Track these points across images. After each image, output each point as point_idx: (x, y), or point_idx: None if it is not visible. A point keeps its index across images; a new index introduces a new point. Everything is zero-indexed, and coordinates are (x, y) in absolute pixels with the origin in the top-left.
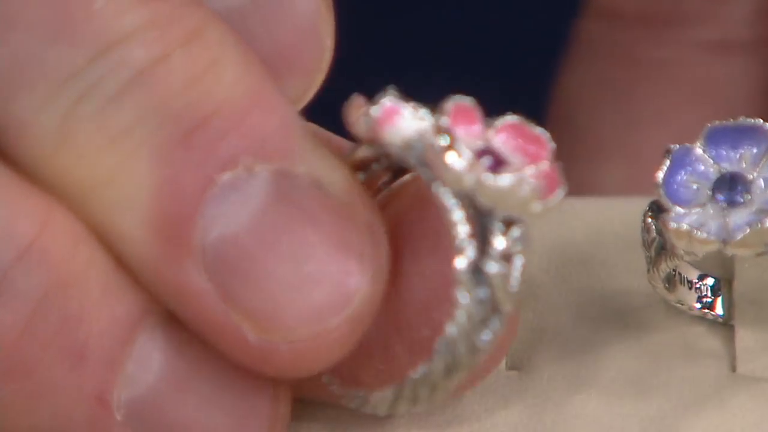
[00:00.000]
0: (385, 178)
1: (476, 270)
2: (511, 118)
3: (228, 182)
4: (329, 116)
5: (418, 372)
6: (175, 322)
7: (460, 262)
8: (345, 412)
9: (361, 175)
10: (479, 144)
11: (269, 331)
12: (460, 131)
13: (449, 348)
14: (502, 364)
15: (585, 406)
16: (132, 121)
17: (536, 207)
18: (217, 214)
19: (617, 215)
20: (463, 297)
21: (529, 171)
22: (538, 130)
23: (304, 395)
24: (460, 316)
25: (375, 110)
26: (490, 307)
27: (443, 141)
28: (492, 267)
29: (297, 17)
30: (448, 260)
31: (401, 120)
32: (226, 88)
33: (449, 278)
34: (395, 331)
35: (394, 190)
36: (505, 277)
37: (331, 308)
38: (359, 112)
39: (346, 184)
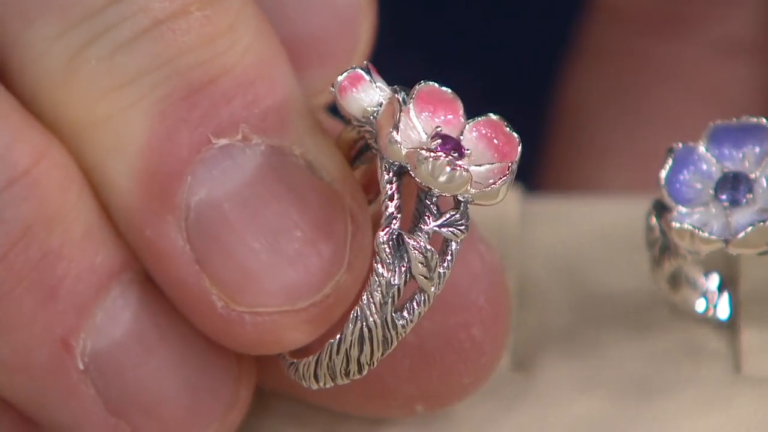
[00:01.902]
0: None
1: (398, 243)
2: (490, 116)
3: (223, 147)
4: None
5: (335, 338)
6: (151, 285)
7: (382, 232)
8: (341, 417)
9: (358, 162)
10: (438, 128)
11: (236, 302)
12: (425, 115)
13: (362, 316)
14: (506, 364)
15: (589, 407)
16: (139, 70)
17: (470, 191)
18: (207, 177)
19: (621, 215)
20: (380, 266)
21: (487, 170)
22: (513, 132)
23: (273, 386)
24: (375, 286)
25: (340, 78)
26: (412, 285)
27: (392, 113)
28: (413, 242)
29: (336, 7)
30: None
31: (362, 90)
32: (238, 54)
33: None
34: None
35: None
36: (429, 255)
37: (302, 289)
38: (332, 83)
39: (339, 173)
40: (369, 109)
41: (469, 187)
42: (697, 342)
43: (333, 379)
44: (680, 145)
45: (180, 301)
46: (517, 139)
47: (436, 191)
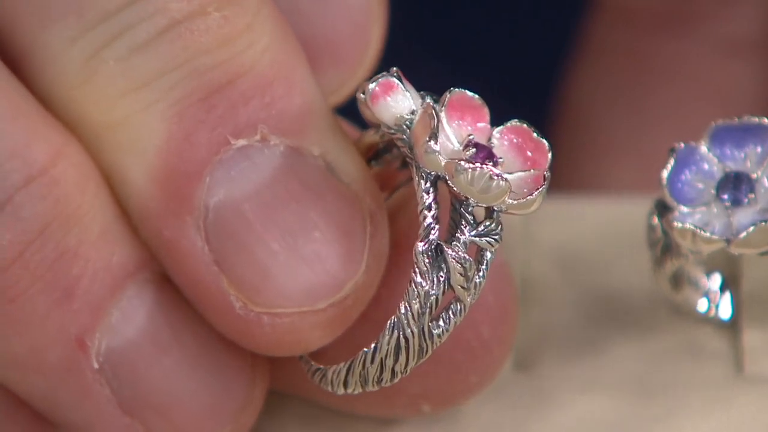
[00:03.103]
0: (397, 165)
1: (437, 254)
2: (516, 122)
3: (241, 148)
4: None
5: (370, 347)
6: (167, 285)
7: (421, 243)
8: (350, 418)
9: (374, 164)
10: (470, 137)
11: (255, 303)
12: (457, 124)
13: (398, 326)
14: (509, 364)
15: (591, 406)
16: (157, 71)
17: (508, 202)
18: (225, 177)
19: (623, 215)
20: (419, 277)
21: (519, 179)
22: (541, 138)
23: (283, 387)
24: (413, 296)
25: (372, 85)
26: (447, 294)
27: (428, 122)
28: (452, 252)
29: (349, 9)
30: None
31: (395, 98)
32: (256, 55)
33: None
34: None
35: (406, 195)
36: (467, 265)
37: (320, 291)
38: (360, 89)
39: (358, 174)
40: (401, 116)
41: (506, 198)
42: (698, 342)
43: (363, 387)
44: (682, 144)
45: (198, 302)
46: (547, 146)
47: (473, 201)
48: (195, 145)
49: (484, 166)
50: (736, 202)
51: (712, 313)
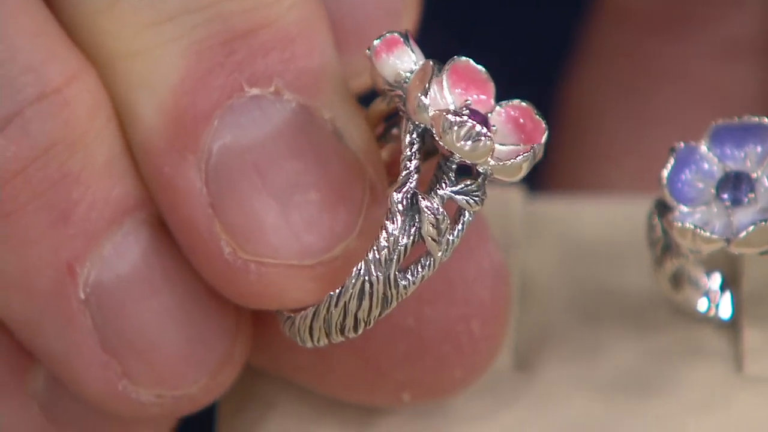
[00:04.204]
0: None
1: (412, 203)
2: (520, 101)
3: (254, 97)
4: None
5: (336, 291)
6: (163, 230)
7: (396, 189)
8: (347, 410)
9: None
10: (468, 102)
11: (244, 250)
12: (459, 91)
13: (366, 269)
14: (508, 364)
15: (590, 406)
16: (183, 8)
17: (490, 163)
18: (233, 123)
19: (623, 215)
20: (390, 222)
21: (510, 151)
22: (541, 119)
23: (266, 367)
24: (383, 239)
25: (377, 41)
26: (420, 247)
27: (422, 76)
28: (426, 203)
29: None
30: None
31: (398, 54)
32: (282, 10)
33: (449, 275)
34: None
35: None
36: (441, 217)
37: (311, 247)
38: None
39: (364, 144)
40: (402, 74)
41: (489, 159)
42: (698, 342)
43: (328, 335)
44: (682, 144)
45: (187, 243)
46: (545, 126)
47: (457, 157)
48: (209, 86)
49: (470, 122)
50: (736, 202)
51: (712, 312)
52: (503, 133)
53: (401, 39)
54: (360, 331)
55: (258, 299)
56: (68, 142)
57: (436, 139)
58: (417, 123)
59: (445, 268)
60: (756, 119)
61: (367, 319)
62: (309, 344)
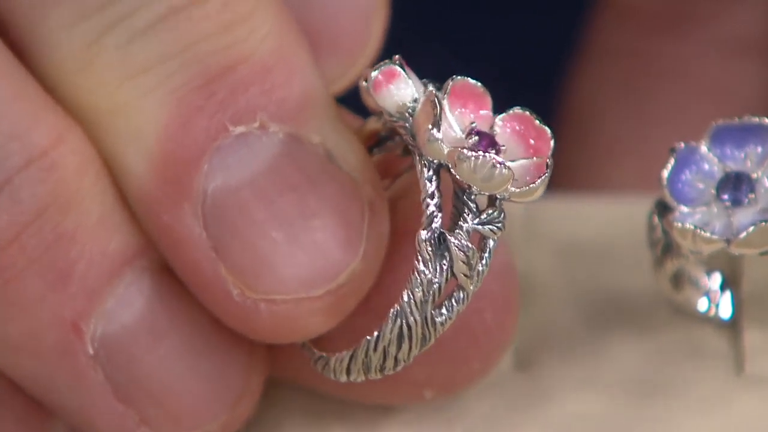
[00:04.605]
0: (398, 152)
1: (440, 241)
2: (518, 110)
3: (240, 135)
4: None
5: (373, 335)
6: (166, 273)
7: (424, 231)
8: (348, 407)
9: (376, 151)
10: (473, 125)
11: (252, 290)
12: (460, 111)
13: (401, 314)
14: (509, 364)
15: (591, 406)
16: (156, 57)
17: (511, 190)
18: (223, 164)
19: (624, 214)
20: (421, 265)
21: (521, 166)
22: (544, 126)
23: (283, 375)
24: (416, 283)
25: (374, 73)
26: (450, 282)
27: (430, 110)
28: (456, 241)
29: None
30: None
31: (397, 85)
32: (257, 42)
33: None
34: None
35: (408, 181)
36: (470, 253)
37: (317, 278)
38: (363, 77)
39: (358, 162)
40: (404, 104)
41: (509, 186)
42: (699, 342)
43: (366, 375)
44: (682, 144)
45: (196, 288)
46: (549, 133)
47: (476, 189)
48: (193, 131)
49: (487, 154)
50: (737, 202)
51: (713, 312)
52: (510, 147)
53: (398, 69)
54: (399, 369)
55: (272, 335)
56: (60, 204)
57: (453, 174)
58: (431, 159)
59: None
60: (756, 119)
61: (407, 358)
62: (344, 380)
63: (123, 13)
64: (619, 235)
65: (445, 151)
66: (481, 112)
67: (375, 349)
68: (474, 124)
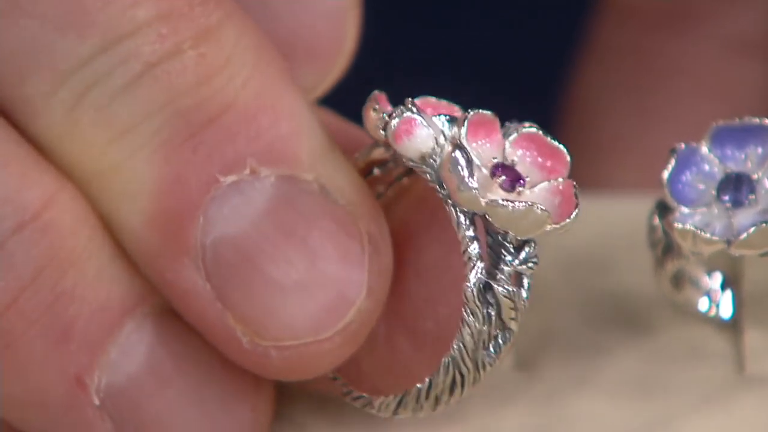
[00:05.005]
0: (400, 171)
1: (486, 290)
2: (529, 129)
3: (232, 184)
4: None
5: (424, 383)
6: (167, 316)
7: (470, 283)
8: (348, 408)
9: (378, 169)
10: (495, 160)
11: (261, 337)
12: (477, 145)
13: (455, 364)
14: (509, 364)
15: (591, 407)
16: (139, 116)
17: (548, 230)
18: (219, 215)
19: (624, 215)
20: (470, 316)
21: (544, 191)
22: (557, 144)
23: (309, 388)
24: (467, 334)
25: (394, 123)
26: (497, 325)
27: (459, 161)
28: (501, 288)
29: (323, 4)
30: (453, 253)
31: (419, 134)
32: (238, 88)
33: (454, 271)
34: (399, 324)
35: (405, 184)
36: (516, 298)
37: (324, 320)
38: (378, 121)
39: (354, 193)
40: (427, 152)
41: (547, 226)
42: (699, 342)
43: (414, 414)
44: (683, 145)
45: (206, 336)
46: (564, 151)
47: (512, 234)
48: (185, 186)
49: (525, 203)
50: (737, 203)
51: (713, 312)
52: (529, 173)
53: (416, 117)
54: (450, 405)
55: (285, 376)
56: (56, 264)
57: (490, 221)
58: (466, 210)
59: (445, 267)
60: (757, 120)
61: (458, 400)
62: (387, 417)
63: (98, 74)
64: (619, 236)
65: (483, 204)
66: (492, 137)
67: (427, 397)
68: (496, 159)
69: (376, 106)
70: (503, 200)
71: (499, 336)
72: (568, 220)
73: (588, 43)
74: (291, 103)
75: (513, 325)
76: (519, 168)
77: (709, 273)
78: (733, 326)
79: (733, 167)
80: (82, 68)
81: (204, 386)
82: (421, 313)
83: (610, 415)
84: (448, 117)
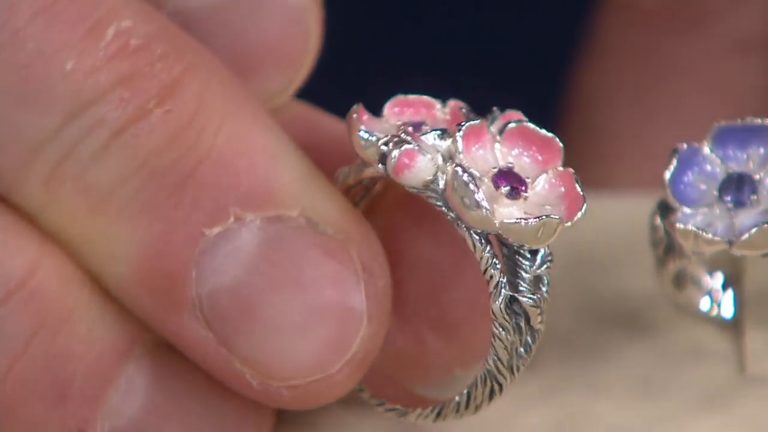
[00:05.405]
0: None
1: (512, 302)
2: (514, 123)
3: (219, 235)
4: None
5: (462, 396)
6: (161, 348)
7: (497, 301)
8: (355, 407)
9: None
10: (494, 170)
11: (270, 378)
12: (471, 152)
13: (491, 376)
14: None
15: (593, 407)
16: (115, 181)
17: (559, 231)
18: (211, 266)
19: (626, 215)
20: (502, 330)
21: (548, 190)
22: (547, 133)
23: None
24: (500, 348)
25: (394, 156)
26: (527, 331)
27: (466, 184)
28: (526, 299)
29: (284, 9)
30: (441, 240)
31: (420, 164)
32: (210, 139)
33: (448, 258)
34: (405, 321)
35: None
36: (541, 302)
37: (331, 354)
38: (371, 151)
39: (342, 218)
40: (429, 178)
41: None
42: (701, 342)
43: (457, 418)
44: (685, 145)
45: (216, 378)
46: (555, 140)
47: (527, 245)
48: (172, 245)
49: (537, 218)
50: (739, 204)
51: (715, 312)
52: (529, 173)
53: (414, 148)
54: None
55: (299, 408)
56: (47, 329)
57: (505, 237)
58: (480, 231)
59: (442, 252)
60: (759, 121)
61: (495, 401)
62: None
63: (68, 145)
64: (620, 236)
65: (497, 224)
66: (482, 138)
67: (467, 407)
68: (495, 169)
69: (365, 134)
70: (517, 219)
71: (528, 338)
72: (579, 215)
73: (589, 41)
74: (265, 141)
75: (541, 327)
76: (517, 170)
77: (711, 273)
78: (735, 326)
79: (735, 167)
80: (51, 141)
81: (205, 417)
82: (425, 305)
83: (610, 415)
84: (438, 132)
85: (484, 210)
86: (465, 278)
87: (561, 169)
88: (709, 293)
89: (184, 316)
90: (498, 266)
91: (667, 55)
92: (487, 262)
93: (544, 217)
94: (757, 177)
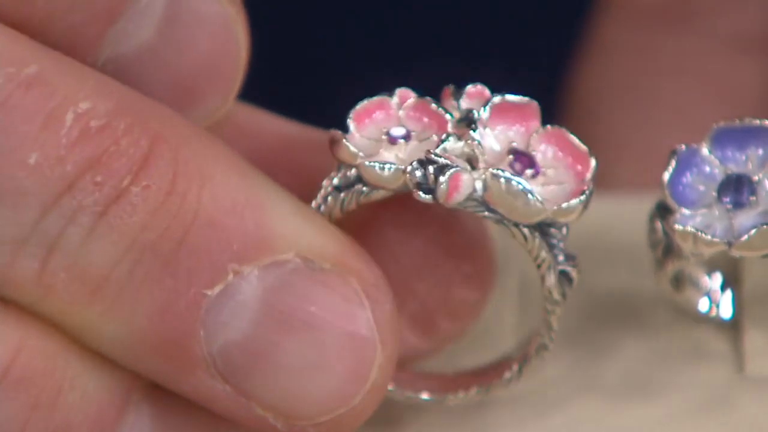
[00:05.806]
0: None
1: (562, 275)
2: (555, 127)
3: (221, 293)
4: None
5: (513, 371)
6: (159, 394)
7: (551, 282)
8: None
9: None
10: (509, 156)
11: (295, 418)
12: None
13: (542, 345)
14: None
15: (592, 407)
16: (108, 263)
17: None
18: (218, 324)
19: (624, 215)
20: (555, 306)
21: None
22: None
23: None
24: (554, 321)
25: (443, 184)
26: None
27: (514, 187)
28: (571, 267)
29: (210, 25)
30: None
31: (465, 182)
32: (194, 202)
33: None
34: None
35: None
36: (577, 264)
37: (351, 388)
38: (407, 177)
39: (338, 253)
40: (471, 193)
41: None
42: (699, 342)
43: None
44: (683, 146)
45: (241, 426)
46: (530, 103)
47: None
48: (176, 313)
49: (581, 195)
50: (738, 205)
51: (714, 312)
52: (554, 170)
53: (458, 170)
54: None
55: None
56: (41, 408)
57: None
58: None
59: (409, 242)
60: (757, 121)
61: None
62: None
63: (52, 237)
64: (619, 236)
65: (536, 218)
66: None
67: (519, 375)
68: (511, 156)
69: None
70: (567, 204)
71: (563, 282)
72: (593, 166)
73: (588, 40)
74: (248, 190)
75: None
76: (521, 147)
77: (710, 273)
78: (733, 326)
79: (733, 168)
80: (33, 234)
81: None
82: (401, 300)
83: (609, 415)
84: (451, 139)
85: (539, 204)
86: (438, 270)
87: (549, 128)
88: (708, 294)
89: (198, 375)
90: (545, 248)
91: (666, 54)
92: (539, 248)
93: (586, 192)
94: (755, 178)
